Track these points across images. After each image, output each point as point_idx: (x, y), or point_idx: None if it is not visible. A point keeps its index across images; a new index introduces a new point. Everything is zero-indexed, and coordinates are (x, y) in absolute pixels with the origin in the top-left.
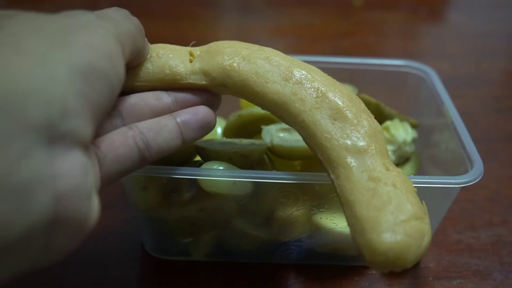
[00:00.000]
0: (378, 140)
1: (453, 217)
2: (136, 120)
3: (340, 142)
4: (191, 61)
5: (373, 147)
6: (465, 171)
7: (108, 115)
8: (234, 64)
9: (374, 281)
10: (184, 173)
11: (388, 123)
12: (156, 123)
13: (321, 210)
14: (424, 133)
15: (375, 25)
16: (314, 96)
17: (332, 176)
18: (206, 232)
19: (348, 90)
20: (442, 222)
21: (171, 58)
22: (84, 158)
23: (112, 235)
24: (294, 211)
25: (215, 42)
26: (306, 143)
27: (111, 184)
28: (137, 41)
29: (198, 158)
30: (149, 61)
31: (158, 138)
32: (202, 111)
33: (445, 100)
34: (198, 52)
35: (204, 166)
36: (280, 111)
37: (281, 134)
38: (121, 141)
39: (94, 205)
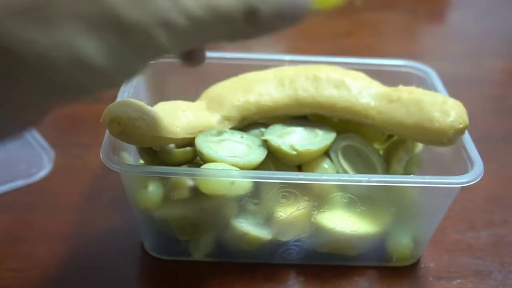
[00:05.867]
0: (374, 85)
1: (453, 217)
2: None
3: (351, 96)
4: None
5: (374, 84)
6: (465, 171)
7: None
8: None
9: (374, 281)
10: (184, 173)
11: None
12: None
13: (321, 210)
14: None
15: (375, 25)
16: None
17: (368, 121)
18: (206, 232)
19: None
20: (442, 222)
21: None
22: None
23: (112, 235)
24: (294, 211)
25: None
26: (335, 115)
27: None
28: None
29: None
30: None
31: None
32: None
33: None
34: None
35: (203, 167)
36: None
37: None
38: None
39: None
